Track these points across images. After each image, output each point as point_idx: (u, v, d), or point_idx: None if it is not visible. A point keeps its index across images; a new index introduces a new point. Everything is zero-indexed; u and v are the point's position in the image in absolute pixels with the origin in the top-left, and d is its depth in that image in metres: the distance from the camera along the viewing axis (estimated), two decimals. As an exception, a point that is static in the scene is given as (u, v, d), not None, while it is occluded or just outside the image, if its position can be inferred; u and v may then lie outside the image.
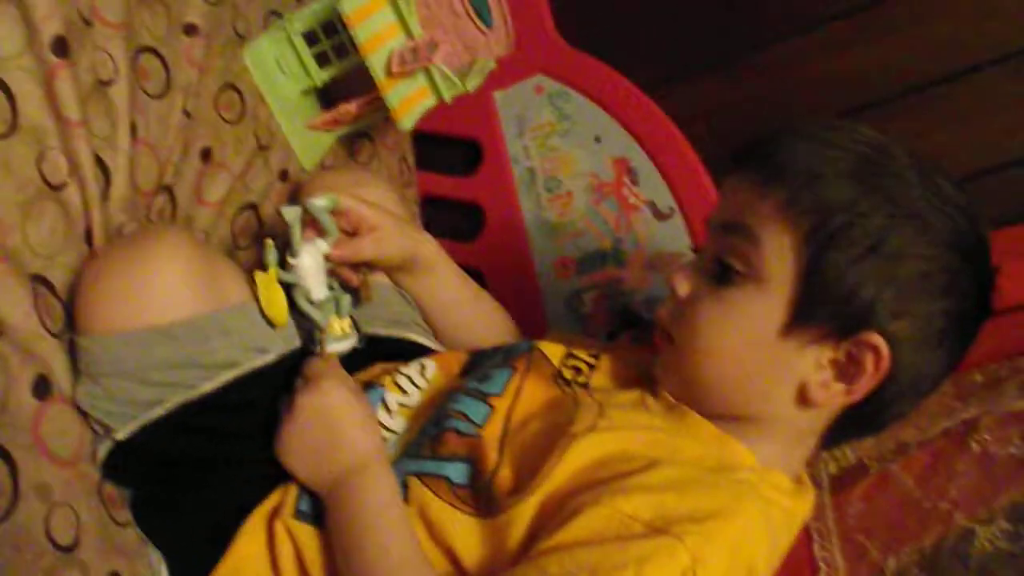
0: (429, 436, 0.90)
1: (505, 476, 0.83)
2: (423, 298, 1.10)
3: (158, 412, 0.87)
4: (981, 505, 1.00)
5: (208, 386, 0.88)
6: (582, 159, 1.45)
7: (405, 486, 0.85)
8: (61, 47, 0.89)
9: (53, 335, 0.86)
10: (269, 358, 0.93)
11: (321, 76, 1.27)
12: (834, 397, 0.83)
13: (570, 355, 0.98)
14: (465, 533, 0.81)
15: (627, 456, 0.81)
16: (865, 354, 0.81)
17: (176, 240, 0.91)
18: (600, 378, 0.96)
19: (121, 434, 0.87)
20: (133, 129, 0.99)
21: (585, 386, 0.94)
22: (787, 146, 0.85)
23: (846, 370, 0.82)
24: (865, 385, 0.81)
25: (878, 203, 0.80)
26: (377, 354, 1.01)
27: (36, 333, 0.84)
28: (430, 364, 1.00)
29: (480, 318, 1.12)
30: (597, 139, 1.44)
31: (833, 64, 1.38)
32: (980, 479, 1.02)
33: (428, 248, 1.07)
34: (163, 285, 0.87)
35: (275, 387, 0.92)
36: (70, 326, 0.88)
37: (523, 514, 0.78)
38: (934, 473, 1.05)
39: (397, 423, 0.94)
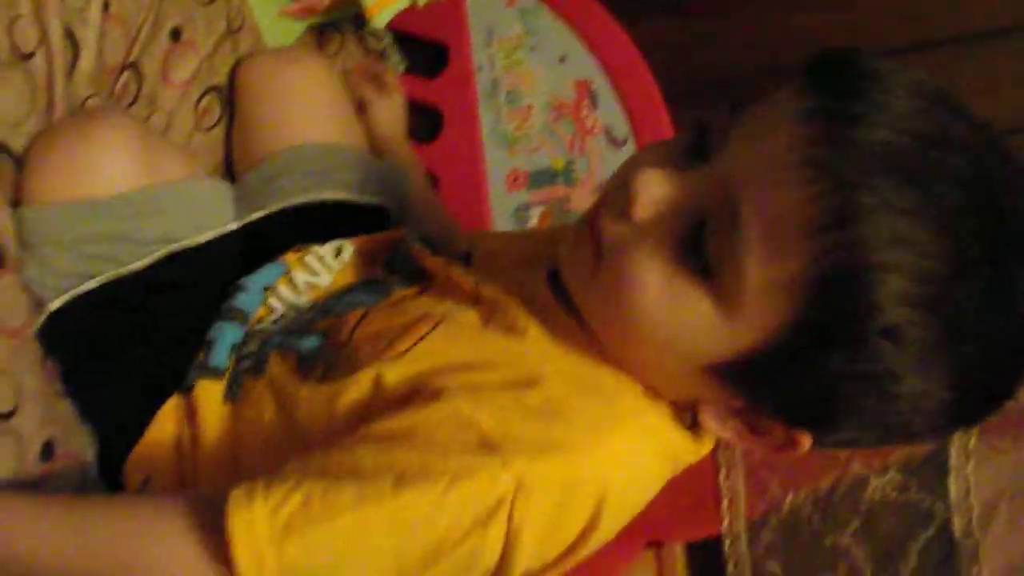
0: (313, 319, 0.87)
1: (356, 349, 0.78)
2: None
3: (90, 285, 0.88)
4: (878, 457, 1.07)
5: (140, 263, 0.90)
6: (545, 76, 1.45)
7: (266, 359, 0.83)
8: (37, -87, 0.87)
9: (8, 204, 0.86)
10: (204, 237, 0.94)
11: (298, -37, 1.25)
12: (722, 431, 0.73)
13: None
14: (306, 400, 0.77)
15: (490, 363, 0.72)
16: (783, 436, 0.70)
17: (120, 120, 0.93)
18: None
19: (54, 304, 0.88)
20: (105, 3, 0.97)
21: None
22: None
23: (751, 425, 0.71)
24: (757, 448, 0.73)
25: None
26: (294, 234, 0.97)
27: (-7, 201, 0.84)
28: (348, 247, 0.96)
29: (436, 220, 1.14)
30: (562, 59, 1.44)
31: (793, 20, 1.39)
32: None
33: (406, 148, 1.26)
34: (104, 161, 0.89)
35: (208, 268, 0.93)
36: (21, 197, 0.89)
37: (360, 381, 0.74)
38: (840, 421, 1.11)
39: (302, 300, 0.92)
